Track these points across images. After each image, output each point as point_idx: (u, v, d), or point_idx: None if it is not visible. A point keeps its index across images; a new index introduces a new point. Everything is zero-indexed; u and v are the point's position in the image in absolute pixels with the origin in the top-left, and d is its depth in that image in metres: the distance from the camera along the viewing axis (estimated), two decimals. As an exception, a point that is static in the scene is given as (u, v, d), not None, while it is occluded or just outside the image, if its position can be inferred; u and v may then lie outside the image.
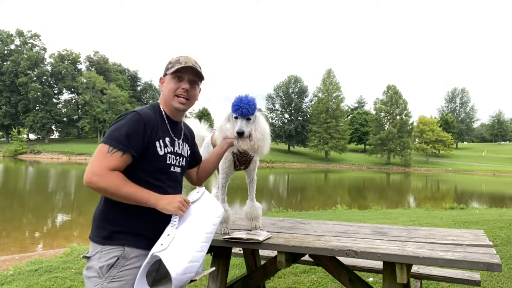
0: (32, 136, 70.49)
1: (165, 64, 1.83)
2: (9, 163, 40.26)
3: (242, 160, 2.43)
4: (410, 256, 1.85)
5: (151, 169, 1.68)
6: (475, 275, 2.66)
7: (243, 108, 2.10)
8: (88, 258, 1.63)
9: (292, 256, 2.24)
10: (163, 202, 1.61)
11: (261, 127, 2.19)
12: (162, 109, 1.81)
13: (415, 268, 2.78)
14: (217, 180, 2.60)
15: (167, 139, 1.75)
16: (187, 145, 1.92)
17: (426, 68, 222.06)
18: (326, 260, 2.36)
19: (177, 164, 1.81)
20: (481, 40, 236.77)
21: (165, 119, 1.79)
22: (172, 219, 1.63)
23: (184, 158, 1.89)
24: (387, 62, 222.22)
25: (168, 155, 1.75)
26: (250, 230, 2.43)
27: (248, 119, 2.14)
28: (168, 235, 1.56)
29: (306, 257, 2.50)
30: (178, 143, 1.83)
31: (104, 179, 1.53)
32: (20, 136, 56.35)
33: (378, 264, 2.83)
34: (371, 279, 3.68)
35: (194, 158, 2.06)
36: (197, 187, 1.86)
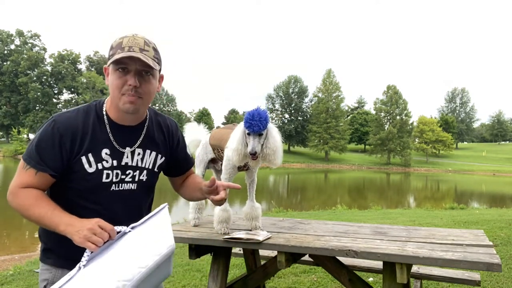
0: (32, 136, 70.49)
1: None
2: (9, 163, 40.26)
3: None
4: (410, 256, 1.85)
5: (82, 190, 1.36)
6: (475, 275, 2.66)
7: (255, 126, 2.08)
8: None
9: (292, 256, 2.24)
10: (73, 229, 1.22)
11: (271, 142, 2.18)
12: (104, 111, 1.41)
13: (415, 268, 2.78)
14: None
15: (104, 151, 1.37)
16: (153, 152, 1.50)
17: (426, 68, 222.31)
18: (326, 260, 2.36)
19: (127, 179, 1.43)
20: (481, 40, 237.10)
21: (107, 124, 1.39)
22: (85, 252, 1.21)
23: (146, 171, 1.48)
24: (387, 62, 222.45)
25: (106, 171, 1.37)
26: (250, 230, 2.43)
27: (261, 134, 2.13)
28: (69, 275, 1.17)
29: (306, 257, 2.50)
30: (132, 153, 1.43)
31: (15, 198, 1.31)
32: (20, 136, 56.37)
33: (378, 264, 2.83)
34: (371, 279, 3.68)
35: (176, 165, 1.65)
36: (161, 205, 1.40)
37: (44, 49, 68.97)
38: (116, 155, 1.40)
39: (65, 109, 1.43)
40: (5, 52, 65.81)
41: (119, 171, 1.41)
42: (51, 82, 67.75)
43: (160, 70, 1.42)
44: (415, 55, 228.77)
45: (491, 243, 2.07)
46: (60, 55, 68.49)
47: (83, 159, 1.34)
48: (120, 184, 1.42)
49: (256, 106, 2.18)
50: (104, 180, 1.38)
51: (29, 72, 65.00)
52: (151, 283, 1.25)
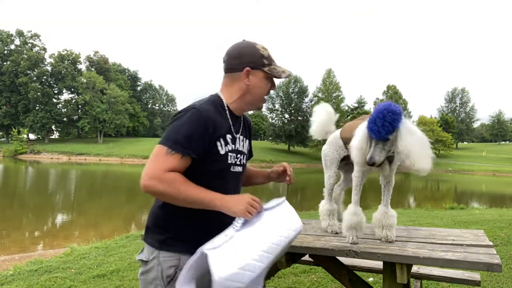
0: (32, 136, 70.50)
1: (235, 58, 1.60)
2: (9, 163, 40.24)
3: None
4: (410, 256, 1.85)
5: (212, 170, 1.53)
6: (475, 275, 2.65)
7: (375, 132, 1.74)
8: (144, 262, 1.53)
9: (292, 256, 2.24)
10: (230, 203, 1.44)
11: (401, 146, 1.76)
12: (225, 104, 1.61)
13: (415, 268, 2.78)
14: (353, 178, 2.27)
15: (228, 137, 1.58)
16: (247, 140, 1.74)
17: (426, 68, 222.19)
18: (326, 260, 2.36)
19: (237, 162, 1.64)
20: (481, 40, 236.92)
21: (228, 114, 1.60)
22: (235, 220, 1.45)
23: (245, 155, 1.71)
24: (387, 62, 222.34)
25: (229, 153, 1.58)
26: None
27: (386, 139, 1.76)
28: (226, 235, 1.39)
29: (306, 257, 2.49)
30: (239, 139, 1.65)
31: (162, 182, 1.38)
32: (20, 136, 56.41)
33: (378, 264, 2.83)
34: (371, 279, 3.67)
35: (249, 153, 1.86)
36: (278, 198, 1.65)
37: (44, 49, 68.97)
38: (233, 140, 1.61)
39: (196, 102, 1.58)
40: (5, 52, 65.79)
41: (234, 155, 1.61)
42: (51, 82, 67.72)
43: None
44: (415, 55, 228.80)
45: (491, 243, 2.06)
46: (60, 55, 68.48)
47: (218, 142, 1.53)
48: (235, 167, 1.63)
49: (387, 103, 1.76)
50: (229, 161, 1.58)
51: (29, 72, 64.98)
52: (279, 256, 1.50)
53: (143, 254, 1.57)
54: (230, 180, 1.60)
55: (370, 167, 1.99)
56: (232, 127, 1.61)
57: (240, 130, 1.67)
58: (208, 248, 1.32)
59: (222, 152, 1.54)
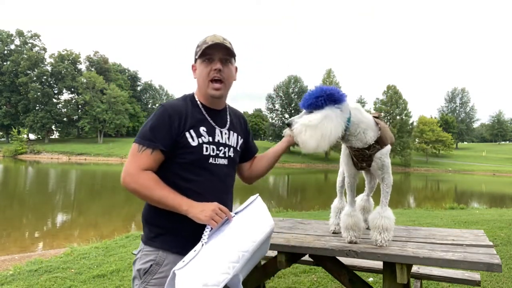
0: (32, 136, 70.49)
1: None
2: (9, 163, 40.24)
3: (358, 156, 2.08)
4: (410, 256, 1.85)
5: (186, 162, 1.56)
6: (475, 275, 2.66)
7: (303, 99, 1.85)
8: (135, 255, 1.64)
9: (292, 256, 2.24)
10: (196, 209, 1.46)
11: (310, 118, 1.80)
12: (196, 99, 1.68)
13: (415, 268, 2.78)
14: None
15: (202, 129, 1.61)
16: (235, 134, 1.75)
17: (426, 68, 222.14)
18: (326, 260, 2.36)
19: (220, 155, 1.65)
20: (481, 40, 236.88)
21: (201, 108, 1.65)
22: (204, 231, 1.43)
23: (232, 148, 1.72)
24: (387, 62, 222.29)
25: (205, 145, 1.60)
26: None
27: (311, 112, 1.83)
28: (194, 251, 1.37)
29: (306, 257, 2.50)
30: (221, 132, 1.67)
31: (135, 180, 1.48)
32: (20, 136, 56.42)
33: (378, 264, 2.83)
34: (371, 279, 3.67)
35: (248, 149, 1.90)
36: (251, 196, 1.65)
37: (44, 49, 68.92)
38: (211, 132, 1.64)
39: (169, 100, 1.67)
40: (5, 52, 65.76)
41: (214, 147, 1.63)
42: (51, 82, 67.69)
43: (235, 61, 1.71)
44: (415, 55, 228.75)
45: (491, 243, 2.06)
46: (60, 55, 68.44)
47: (187, 134, 1.57)
48: (216, 159, 1.64)
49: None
50: (204, 153, 1.59)
51: (29, 72, 64.94)
52: (255, 258, 1.51)
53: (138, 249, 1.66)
54: (211, 172, 1.61)
55: (356, 169, 2.18)
56: (209, 119, 1.65)
57: (226, 124, 1.72)
58: (178, 268, 1.31)
59: (194, 143, 1.57)
